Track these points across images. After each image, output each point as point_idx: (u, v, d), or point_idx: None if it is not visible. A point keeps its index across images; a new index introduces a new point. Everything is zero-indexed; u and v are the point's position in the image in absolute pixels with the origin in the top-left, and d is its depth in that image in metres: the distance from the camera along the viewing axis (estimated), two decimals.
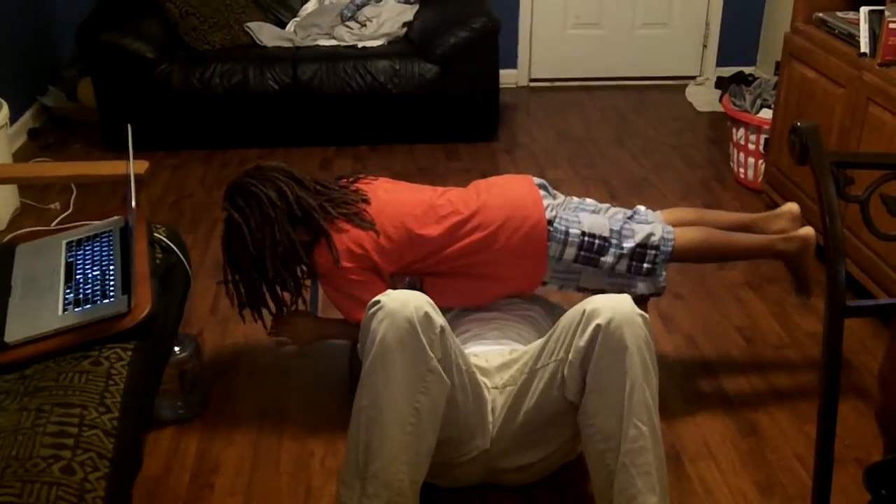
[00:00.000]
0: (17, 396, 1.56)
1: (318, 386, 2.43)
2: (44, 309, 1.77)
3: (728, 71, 4.64)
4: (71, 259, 1.95)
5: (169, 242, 2.08)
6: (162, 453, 2.18)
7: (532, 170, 3.86)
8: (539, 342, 1.96)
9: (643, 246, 2.20)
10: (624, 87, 5.00)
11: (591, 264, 2.20)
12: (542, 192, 2.24)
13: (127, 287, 1.79)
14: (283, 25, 4.44)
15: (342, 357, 2.50)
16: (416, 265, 2.20)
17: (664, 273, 2.24)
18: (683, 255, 2.25)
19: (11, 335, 1.70)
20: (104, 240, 2.00)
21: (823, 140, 1.56)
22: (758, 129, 3.51)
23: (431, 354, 1.75)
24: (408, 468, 1.76)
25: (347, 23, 4.35)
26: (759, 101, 3.55)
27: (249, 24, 4.27)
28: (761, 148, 3.52)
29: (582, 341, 1.76)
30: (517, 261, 2.19)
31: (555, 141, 4.23)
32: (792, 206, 2.44)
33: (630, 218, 2.28)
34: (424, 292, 2.26)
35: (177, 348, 2.22)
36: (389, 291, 1.79)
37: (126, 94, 3.96)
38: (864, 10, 2.73)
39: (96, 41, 3.87)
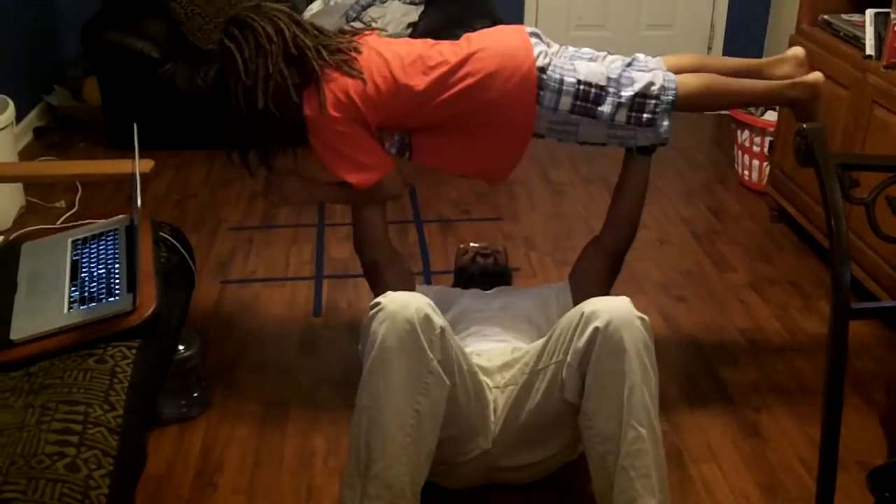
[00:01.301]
0: (22, 394, 1.57)
1: (321, 385, 2.43)
2: (49, 307, 1.78)
3: None
4: (76, 257, 1.95)
5: (173, 241, 2.09)
6: (165, 451, 2.18)
7: (534, 169, 3.87)
8: (539, 343, 1.95)
9: (643, 95, 2.11)
10: None
11: (589, 115, 2.12)
12: (534, 40, 2.17)
13: (132, 285, 1.80)
14: None
15: (345, 356, 2.50)
16: (405, 119, 2.15)
17: (666, 122, 2.15)
18: (686, 104, 2.16)
19: (17, 332, 1.71)
20: (109, 238, 2.01)
21: (828, 142, 1.56)
22: (762, 132, 3.51)
23: (431, 356, 1.75)
24: (408, 469, 1.76)
25: (352, 23, 4.36)
26: None
27: None
28: (766, 150, 3.52)
29: (580, 343, 1.76)
30: (508, 111, 2.12)
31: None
32: (797, 51, 2.32)
33: (629, 65, 2.17)
34: (412, 150, 2.23)
35: (181, 347, 2.22)
36: (390, 293, 1.78)
37: (131, 93, 3.97)
38: (869, 12, 2.73)
39: (101, 41, 3.88)
